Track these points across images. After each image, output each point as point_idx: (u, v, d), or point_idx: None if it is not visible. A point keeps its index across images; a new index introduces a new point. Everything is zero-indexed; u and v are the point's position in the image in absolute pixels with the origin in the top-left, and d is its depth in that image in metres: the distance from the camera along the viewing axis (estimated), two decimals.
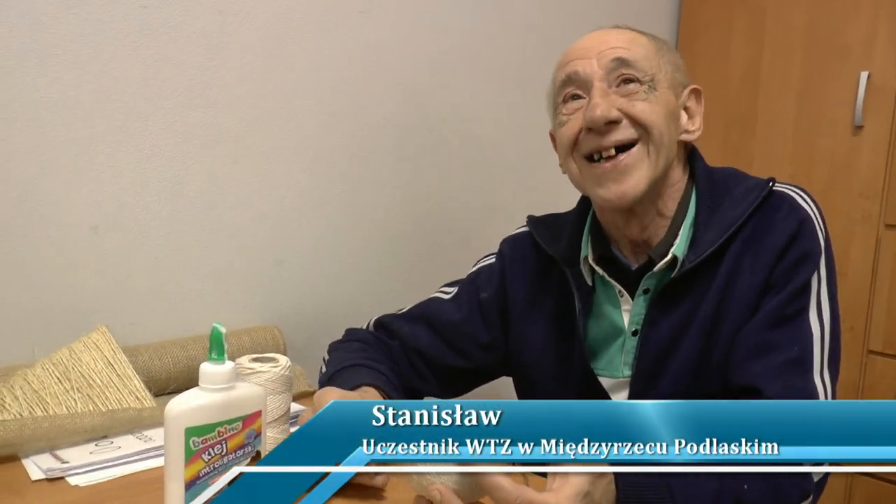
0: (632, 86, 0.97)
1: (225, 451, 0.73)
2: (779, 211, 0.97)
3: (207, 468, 0.72)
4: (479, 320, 1.14)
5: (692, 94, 1.04)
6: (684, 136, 1.03)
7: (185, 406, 0.72)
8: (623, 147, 0.97)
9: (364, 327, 1.19)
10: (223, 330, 0.74)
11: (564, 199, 1.16)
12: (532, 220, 1.16)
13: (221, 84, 1.30)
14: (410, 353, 1.14)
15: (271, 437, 1.00)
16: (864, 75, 1.80)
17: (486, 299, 1.14)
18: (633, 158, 0.97)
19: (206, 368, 0.73)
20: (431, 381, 1.14)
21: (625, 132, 0.97)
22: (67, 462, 0.95)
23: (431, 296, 1.20)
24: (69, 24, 1.13)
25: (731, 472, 0.84)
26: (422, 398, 1.16)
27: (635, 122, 0.97)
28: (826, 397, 0.93)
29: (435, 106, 1.61)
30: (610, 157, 0.97)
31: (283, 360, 1.02)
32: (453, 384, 1.16)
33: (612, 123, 0.96)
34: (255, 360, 1.02)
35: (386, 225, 1.55)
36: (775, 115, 1.97)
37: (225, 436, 0.73)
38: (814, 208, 0.98)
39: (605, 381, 1.04)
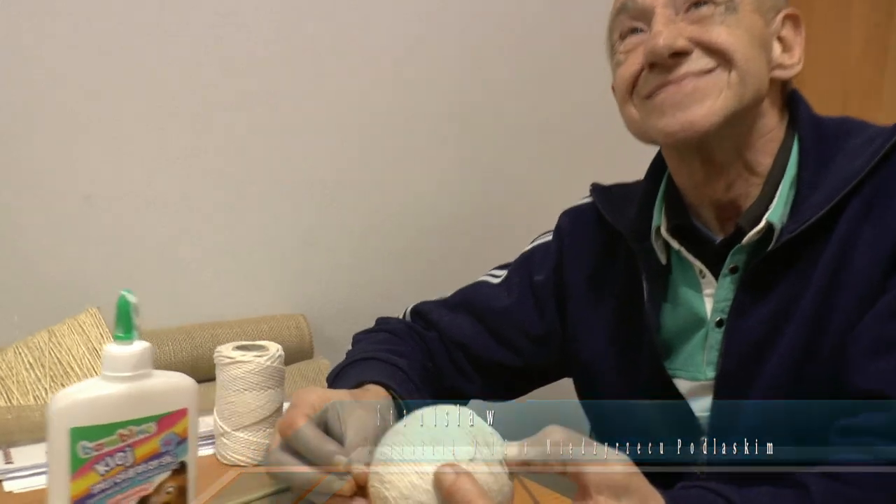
0: (704, 9, 0.75)
1: (130, 461, 0.55)
2: None
3: (104, 484, 0.54)
4: (532, 307, 0.94)
5: (788, 21, 0.80)
6: (778, 73, 0.78)
7: (74, 399, 0.54)
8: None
9: (400, 316, 1.00)
10: (133, 299, 0.56)
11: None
12: (597, 189, 0.94)
13: (245, 43, 1.14)
14: (450, 346, 0.94)
15: (254, 442, 0.82)
16: None
17: (539, 283, 0.94)
18: (706, 83, 0.74)
19: (109, 350, 0.55)
20: (475, 380, 0.94)
21: (697, 62, 0.74)
22: (12, 463, 0.80)
23: (478, 280, 1.00)
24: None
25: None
26: (466, 400, 0.95)
27: (711, 50, 0.74)
28: None
29: (484, 80, 1.39)
30: (674, 82, 0.75)
31: (274, 348, 0.84)
32: (500, 384, 0.95)
33: (680, 55, 0.74)
34: (240, 347, 0.84)
35: (431, 205, 1.34)
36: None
37: (130, 441, 0.55)
38: None
39: (682, 384, 0.81)
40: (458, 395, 0.93)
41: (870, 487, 0.63)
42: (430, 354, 0.93)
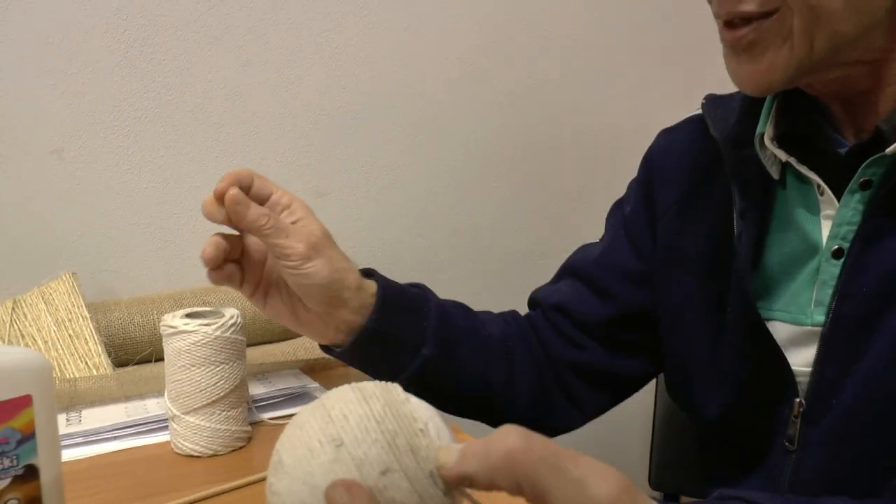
0: None
1: None
2: None
3: None
4: (625, 244, 0.79)
5: None
6: None
7: None
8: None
9: None
10: None
11: None
12: (710, 97, 0.76)
13: None
14: (552, 315, 0.80)
15: (207, 428, 0.69)
16: None
17: (631, 212, 0.80)
18: (762, 33, 0.57)
19: None
20: (590, 346, 0.79)
21: (754, 1, 0.56)
22: None
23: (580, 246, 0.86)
24: None
25: None
26: (600, 376, 0.79)
27: None
28: None
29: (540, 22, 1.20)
30: (732, 25, 0.59)
31: (229, 314, 0.70)
32: (621, 346, 0.79)
33: None
34: (192, 315, 0.71)
35: (473, 152, 1.17)
36: None
37: None
38: None
39: (782, 329, 0.64)
40: (574, 370, 0.79)
41: None
42: (535, 333, 0.80)
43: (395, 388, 0.39)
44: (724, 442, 0.68)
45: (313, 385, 0.86)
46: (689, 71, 1.28)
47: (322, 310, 0.67)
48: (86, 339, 0.87)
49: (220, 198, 0.63)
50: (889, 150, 0.56)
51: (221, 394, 0.68)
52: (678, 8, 1.29)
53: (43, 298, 0.90)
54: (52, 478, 0.45)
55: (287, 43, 1.04)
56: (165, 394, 0.70)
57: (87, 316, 0.89)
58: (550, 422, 0.79)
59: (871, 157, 0.58)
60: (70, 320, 0.88)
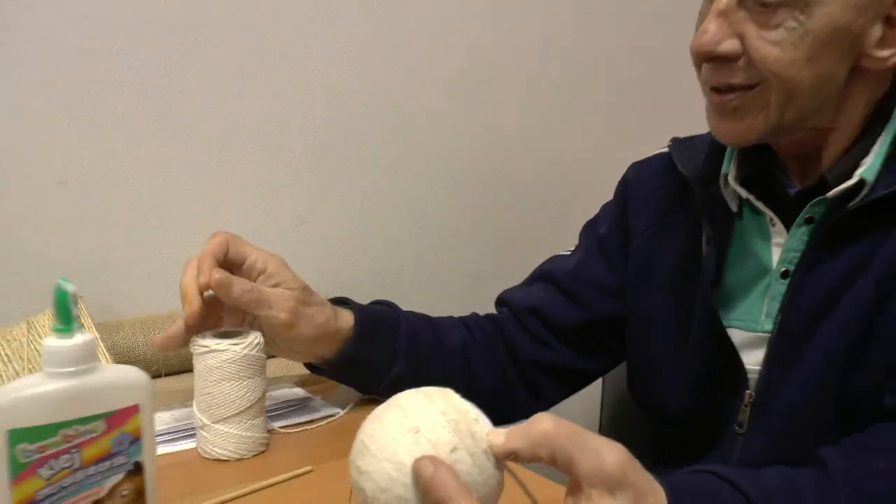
0: (769, 10, 0.67)
1: (77, 463, 0.50)
2: None
3: (50, 488, 0.50)
4: (600, 260, 0.93)
5: None
6: (866, 63, 0.70)
7: (10, 398, 0.49)
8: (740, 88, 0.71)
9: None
10: (71, 288, 0.51)
11: None
12: (675, 139, 0.91)
13: (229, 18, 1.08)
14: (522, 316, 0.93)
15: (235, 435, 0.78)
16: None
17: (604, 235, 0.94)
18: (744, 102, 0.71)
19: (49, 344, 0.51)
20: (556, 346, 0.92)
21: (741, 75, 0.70)
22: None
23: (552, 255, 1.00)
24: None
25: (869, 487, 0.58)
26: (564, 372, 0.93)
27: (756, 65, 0.69)
28: None
29: (492, 44, 1.32)
30: (718, 90, 0.72)
31: (252, 335, 0.79)
32: (585, 347, 0.93)
33: (725, 59, 0.70)
34: (219, 335, 0.80)
35: (442, 180, 1.29)
36: None
37: (76, 441, 0.50)
38: None
39: (737, 335, 0.78)
40: (541, 368, 0.92)
41: (892, 456, 0.59)
42: (503, 333, 0.93)
43: (449, 391, 0.51)
44: (681, 429, 0.81)
45: (312, 397, 0.95)
46: (653, 113, 1.45)
47: (305, 350, 0.81)
48: (98, 358, 0.95)
49: (204, 287, 0.74)
50: (830, 193, 0.71)
51: (247, 405, 0.77)
52: (645, 61, 1.45)
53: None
54: (151, 472, 0.54)
55: (278, 78, 1.13)
56: (195, 405, 0.79)
57: (98, 336, 0.96)
58: (511, 413, 0.91)
59: (816, 199, 0.72)
60: None
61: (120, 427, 0.52)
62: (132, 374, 0.53)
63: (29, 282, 1.00)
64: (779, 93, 0.69)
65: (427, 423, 0.48)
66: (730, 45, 0.69)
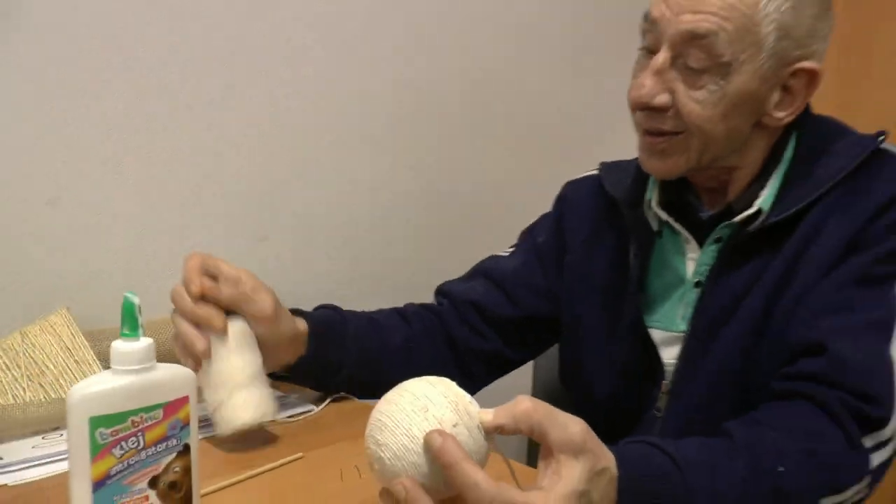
0: (697, 73, 0.84)
1: (142, 444, 0.62)
2: (883, 170, 0.86)
3: (120, 465, 0.61)
4: (537, 265, 1.08)
5: (803, 75, 0.86)
6: (766, 120, 0.88)
7: (90, 391, 0.60)
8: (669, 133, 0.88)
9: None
10: (136, 300, 0.62)
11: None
12: (604, 164, 1.08)
13: (196, 37, 1.18)
14: (463, 309, 1.07)
15: (255, 394, 0.88)
16: None
17: (543, 243, 1.09)
18: (671, 145, 0.88)
19: (117, 346, 0.62)
20: (492, 337, 1.07)
21: (671, 122, 0.86)
22: (1, 458, 0.84)
23: (490, 255, 1.14)
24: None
25: (764, 451, 0.72)
26: (493, 359, 1.08)
27: (681, 117, 0.86)
28: None
29: (440, 70, 1.47)
30: (650, 133, 0.89)
31: (238, 320, 0.90)
32: (516, 339, 1.08)
33: (658, 110, 0.86)
34: None
35: (386, 196, 1.42)
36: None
37: (140, 426, 0.61)
38: None
39: (657, 335, 0.94)
40: (475, 355, 1.06)
41: (779, 427, 0.75)
42: (444, 323, 1.06)
43: (446, 379, 0.64)
44: (607, 414, 0.97)
45: (287, 395, 1.06)
46: (584, 136, 1.62)
47: (275, 355, 0.92)
48: (89, 363, 1.03)
49: (197, 295, 0.87)
50: (736, 218, 0.89)
51: (259, 369, 0.88)
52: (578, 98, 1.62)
53: (45, 330, 1.04)
54: (195, 452, 0.66)
55: (253, 115, 1.25)
56: (207, 390, 0.87)
57: (88, 344, 1.04)
58: None
59: (724, 223, 0.90)
60: (73, 349, 1.04)
61: (175, 414, 0.63)
62: (182, 371, 0.65)
63: (18, 295, 1.07)
64: (699, 141, 0.86)
65: (433, 404, 0.61)
66: (662, 98, 0.85)
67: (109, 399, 0.60)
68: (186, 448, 0.65)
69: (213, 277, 0.90)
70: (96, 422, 0.59)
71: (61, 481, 0.79)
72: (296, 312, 0.98)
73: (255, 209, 1.29)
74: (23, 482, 0.80)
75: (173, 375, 0.64)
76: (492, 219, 1.57)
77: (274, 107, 1.28)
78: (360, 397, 1.05)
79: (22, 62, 1.05)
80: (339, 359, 0.99)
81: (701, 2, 0.82)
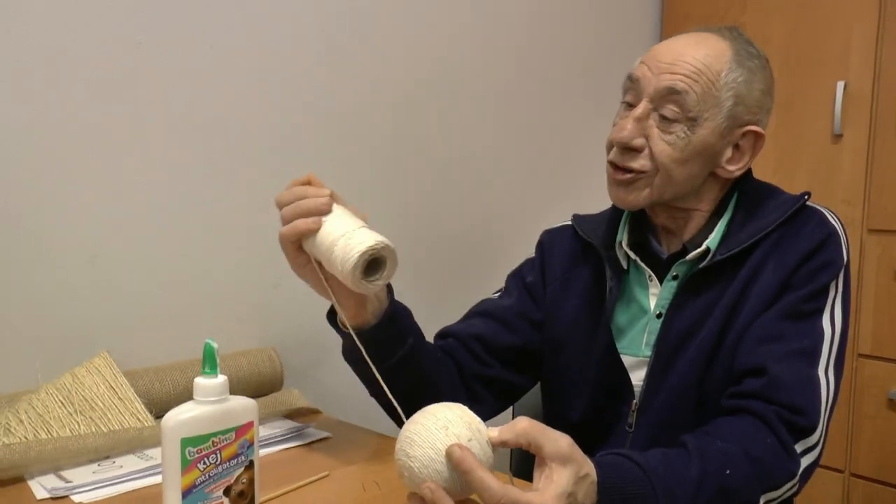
0: (669, 123, 1.03)
1: (219, 460, 0.77)
2: (809, 223, 1.05)
3: (203, 477, 0.76)
4: (529, 300, 1.23)
5: (751, 136, 1.07)
6: (720, 171, 1.08)
7: (181, 417, 0.75)
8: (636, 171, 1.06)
9: None
10: (215, 345, 0.78)
11: (556, 215, 1.20)
12: (575, 216, 1.26)
13: (215, 111, 1.35)
14: (468, 342, 1.19)
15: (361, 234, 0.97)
16: (840, 85, 1.85)
17: (531, 282, 1.24)
18: (641, 181, 1.06)
19: (200, 382, 0.77)
20: (495, 365, 1.20)
21: (640, 161, 1.05)
22: (71, 482, 0.98)
23: (481, 300, 1.28)
24: (65, 58, 1.18)
25: (713, 458, 0.89)
26: (498, 385, 1.21)
27: (653, 157, 1.04)
28: (829, 394, 0.99)
29: (427, 128, 1.66)
30: (620, 169, 1.06)
31: None
32: (515, 365, 1.22)
33: (633, 150, 1.05)
34: None
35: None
36: None
37: (219, 446, 0.77)
38: (840, 228, 1.06)
39: (626, 359, 1.11)
40: (482, 382, 1.19)
41: (726, 438, 0.92)
42: (452, 356, 1.18)
43: (460, 404, 0.81)
44: (585, 429, 1.13)
45: (304, 426, 1.21)
46: (558, 189, 1.81)
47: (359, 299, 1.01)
48: (131, 399, 1.17)
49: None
50: (688, 257, 1.07)
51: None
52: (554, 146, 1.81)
53: (91, 371, 1.18)
54: (258, 467, 0.81)
55: (260, 176, 1.41)
56: (326, 239, 0.95)
57: (128, 383, 1.19)
58: None
59: (679, 261, 1.08)
60: (116, 387, 1.18)
61: (244, 436, 0.79)
62: (248, 402, 0.80)
63: (65, 341, 1.21)
64: (661, 179, 1.04)
65: (452, 423, 0.77)
66: (639, 141, 1.04)
67: (196, 424, 0.75)
68: (251, 463, 0.80)
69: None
70: (186, 442, 0.75)
71: (125, 500, 0.95)
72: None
73: (268, 260, 1.45)
74: (94, 501, 0.94)
75: (242, 405, 0.80)
76: (481, 264, 1.75)
77: (288, 158, 1.45)
78: (387, 405, 1.07)
79: (74, 136, 1.21)
80: (404, 337, 1.06)
81: (677, 66, 1.02)
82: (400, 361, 1.05)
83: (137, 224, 1.28)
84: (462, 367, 1.19)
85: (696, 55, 1.03)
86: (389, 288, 1.08)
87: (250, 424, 0.80)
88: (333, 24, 1.50)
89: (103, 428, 1.12)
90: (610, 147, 1.08)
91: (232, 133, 1.38)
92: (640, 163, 1.04)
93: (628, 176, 1.05)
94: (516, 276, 1.28)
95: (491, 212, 1.81)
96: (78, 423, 1.11)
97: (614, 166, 1.07)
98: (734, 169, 1.07)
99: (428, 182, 1.68)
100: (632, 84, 1.07)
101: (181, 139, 1.32)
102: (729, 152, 1.06)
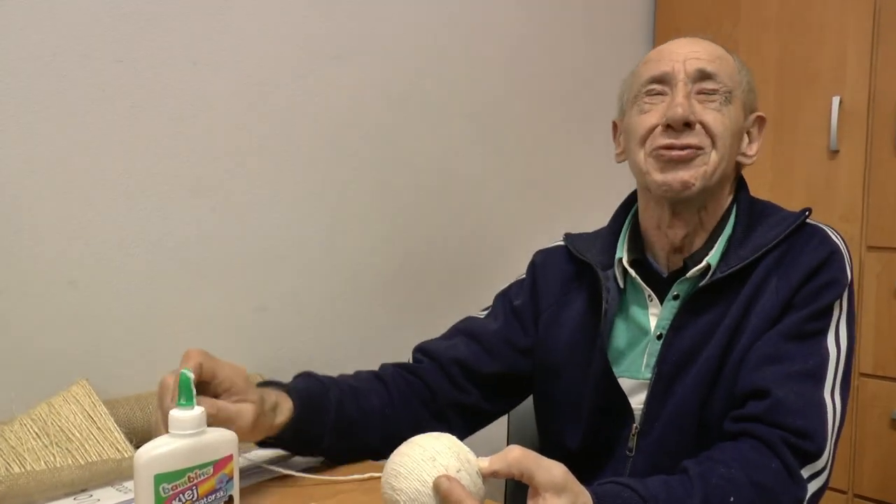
0: (708, 95, 1.04)
1: (196, 496, 0.73)
2: (811, 240, 1.03)
3: None
4: (516, 325, 1.19)
5: (757, 121, 1.11)
6: (741, 159, 1.09)
7: (155, 452, 0.71)
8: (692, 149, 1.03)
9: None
10: (191, 375, 0.74)
11: (549, 235, 1.17)
12: (568, 236, 1.22)
13: (198, 134, 1.32)
14: (448, 366, 1.16)
15: None
16: (835, 100, 1.83)
17: (519, 306, 1.20)
18: (694, 157, 1.03)
19: (175, 414, 0.73)
20: (473, 393, 1.16)
21: (698, 137, 1.03)
22: None
23: (466, 316, 1.24)
24: (44, 81, 1.15)
25: (716, 485, 0.85)
26: (472, 413, 1.17)
27: (706, 131, 1.03)
28: (835, 416, 0.95)
29: (414, 146, 1.63)
30: (676, 148, 1.03)
31: None
32: (495, 393, 1.18)
33: (688, 127, 1.03)
34: None
35: (369, 268, 1.56)
36: None
37: (195, 481, 0.73)
38: (843, 246, 1.04)
39: (626, 382, 1.07)
40: (456, 409, 1.15)
41: (729, 463, 0.89)
42: (426, 383, 1.14)
43: (447, 434, 0.77)
44: (580, 457, 1.09)
45: (290, 454, 1.16)
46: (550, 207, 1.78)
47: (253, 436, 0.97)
48: (110, 429, 1.13)
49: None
50: (689, 273, 1.04)
51: None
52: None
53: (68, 401, 1.14)
54: (237, 502, 0.77)
55: (253, 203, 1.38)
56: None
57: (108, 412, 1.14)
58: None
59: (680, 279, 1.05)
60: (94, 417, 1.14)
61: (222, 470, 0.75)
62: (227, 434, 0.77)
63: (41, 369, 1.17)
64: (717, 154, 1.02)
65: (439, 454, 0.74)
66: (693, 117, 1.02)
67: (170, 459, 0.71)
68: (230, 499, 0.76)
69: (208, 381, 0.91)
70: (160, 478, 0.70)
71: None
72: (276, 385, 1.03)
73: (253, 283, 1.41)
74: None
75: (221, 437, 0.76)
76: (465, 289, 1.71)
77: (271, 183, 1.41)
78: (338, 464, 1.09)
79: (50, 154, 1.17)
80: (320, 432, 1.04)
81: (698, 53, 1.05)
82: (337, 430, 1.04)
83: (119, 247, 1.24)
84: (435, 393, 1.15)
85: (706, 46, 1.07)
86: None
87: (229, 458, 0.76)
88: (322, 36, 1.47)
89: (80, 460, 1.07)
90: (648, 135, 1.05)
91: (216, 154, 1.35)
92: (699, 138, 1.03)
93: (687, 151, 1.03)
94: (504, 298, 1.24)
95: (481, 225, 1.77)
96: (54, 454, 1.07)
97: (668, 148, 1.04)
98: (752, 154, 1.09)
99: (417, 194, 1.65)
100: (658, 84, 1.06)
101: (164, 159, 1.29)
102: (746, 138, 1.09)
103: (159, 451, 0.71)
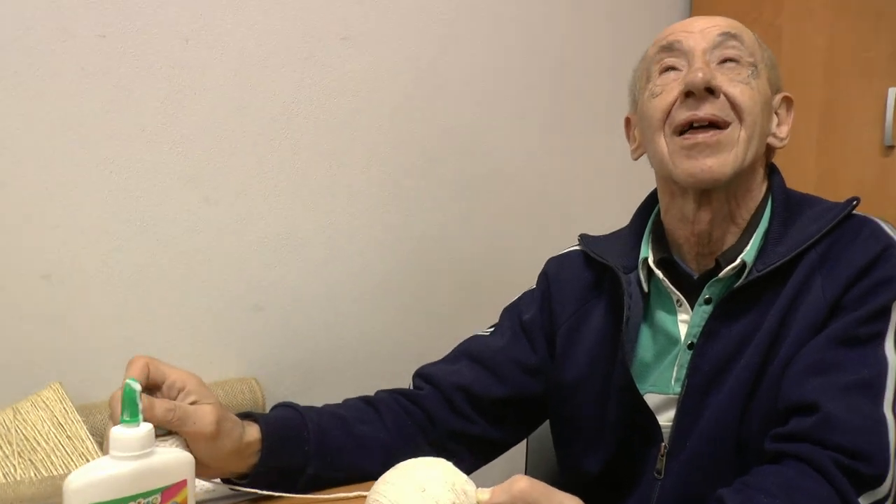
0: (734, 65, 0.92)
1: None
2: (860, 233, 0.90)
3: None
4: (524, 342, 1.07)
5: (784, 102, 1.00)
6: (771, 140, 0.97)
7: (88, 478, 0.60)
8: (717, 126, 0.90)
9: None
10: (137, 387, 0.63)
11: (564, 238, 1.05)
12: (584, 237, 1.09)
13: (190, 117, 1.22)
14: (450, 394, 1.03)
15: None
16: (892, 91, 1.68)
17: (528, 321, 1.08)
18: (727, 137, 0.90)
19: (116, 433, 0.62)
20: (479, 422, 1.04)
21: (721, 107, 0.91)
22: None
23: (471, 336, 1.11)
24: (23, 56, 1.06)
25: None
26: (480, 443, 1.05)
27: (732, 104, 0.91)
28: None
29: (421, 139, 1.51)
30: (704, 129, 0.91)
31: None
32: (504, 421, 1.06)
33: (711, 94, 0.90)
34: None
35: (373, 266, 1.44)
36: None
37: None
38: None
39: (652, 399, 0.95)
40: (461, 440, 1.03)
41: (771, 492, 0.76)
42: (425, 412, 1.02)
43: (443, 460, 0.65)
44: (605, 482, 0.96)
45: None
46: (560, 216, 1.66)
47: (221, 465, 0.85)
48: (81, 438, 1.03)
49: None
50: (722, 273, 0.91)
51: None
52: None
53: (37, 406, 1.04)
54: None
55: (252, 200, 1.27)
56: None
57: (80, 419, 1.04)
58: None
59: (712, 280, 0.92)
60: (65, 424, 1.03)
61: (173, 498, 0.63)
62: (181, 455, 0.65)
63: (11, 370, 1.08)
64: (746, 132, 0.90)
65: (431, 484, 0.62)
66: (716, 81, 0.90)
67: (108, 486, 0.60)
68: None
69: (157, 386, 0.82)
70: None
71: None
72: (250, 417, 0.91)
73: (248, 282, 1.30)
74: None
75: (172, 459, 0.64)
76: (474, 295, 1.58)
77: (270, 172, 1.31)
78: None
79: (23, 135, 1.07)
80: (299, 460, 0.93)
81: (720, 21, 0.95)
82: (321, 457, 0.93)
83: (99, 238, 1.15)
84: (435, 422, 1.02)
85: (722, 19, 0.96)
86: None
87: (182, 484, 0.64)
88: (328, 14, 1.36)
89: (44, 472, 0.97)
90: (666, 116, 0.93)
91: (209, 140, 1.25)
92: (724, 111, 0.90)
93: (711, 133, 0.90)
94: (511, 312, 1.10)
95: (494, 225, 1.64)
96: (14, 466, 0.97)
97: (689, 127, 0.91)
98: (783, 136, 0.98)
99: (428, 189, 1.53)
100: (672, 48, 0.94)
101: (152, 144, 1.18)
102: (774, 119, 0.97)
103: (95, 475, 0.60)
